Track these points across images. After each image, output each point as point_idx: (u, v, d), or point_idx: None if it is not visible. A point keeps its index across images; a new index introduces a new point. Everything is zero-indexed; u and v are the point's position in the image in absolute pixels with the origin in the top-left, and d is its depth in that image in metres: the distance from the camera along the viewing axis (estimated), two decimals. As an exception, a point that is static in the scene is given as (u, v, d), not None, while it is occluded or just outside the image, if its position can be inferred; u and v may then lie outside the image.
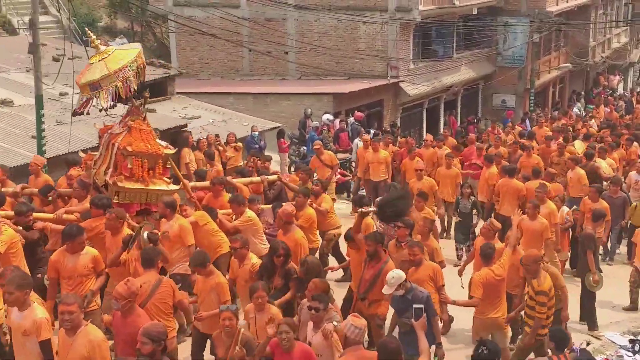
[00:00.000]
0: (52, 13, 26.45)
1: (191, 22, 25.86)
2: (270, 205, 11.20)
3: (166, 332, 5.78)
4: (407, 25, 26.47)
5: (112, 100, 9.31)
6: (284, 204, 10.19)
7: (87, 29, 11.64)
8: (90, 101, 9.43)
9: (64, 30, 21.91)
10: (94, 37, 9.84)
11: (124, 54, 9.59)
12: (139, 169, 9.34)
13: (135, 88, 9.54)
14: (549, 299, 8.22)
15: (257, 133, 18.23)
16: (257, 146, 17.36)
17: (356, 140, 19.29)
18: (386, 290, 7.70)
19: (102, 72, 9.27)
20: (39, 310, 6.26)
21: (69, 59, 15.71)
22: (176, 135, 16.51)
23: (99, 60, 9.39)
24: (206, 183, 11.75)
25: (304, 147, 20.14)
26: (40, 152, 13.59)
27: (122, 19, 31.48)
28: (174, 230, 8.94)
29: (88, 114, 9.82)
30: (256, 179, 12.38)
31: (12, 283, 6.06)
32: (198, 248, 9.35)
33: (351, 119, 22.56)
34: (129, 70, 9.36)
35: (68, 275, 7.75)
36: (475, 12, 29.47)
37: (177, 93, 21.34)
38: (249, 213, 10.07)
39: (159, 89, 20.19)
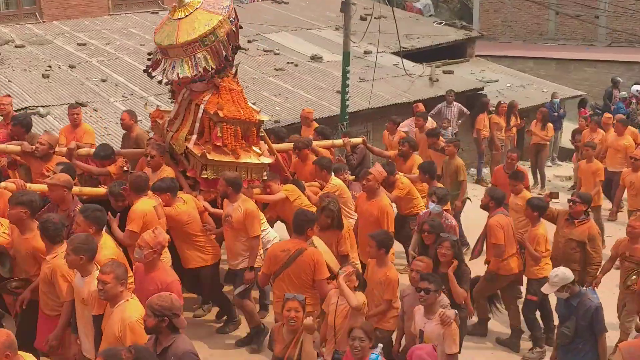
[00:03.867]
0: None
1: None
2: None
3: (173, 306, 4.87)
4: None
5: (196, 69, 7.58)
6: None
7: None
8: (162, 64, 7.86)
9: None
10: None
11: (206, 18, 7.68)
12: (231, 138, 7.81)
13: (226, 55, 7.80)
14: None
15: (557, 100, 17.36)
16: (555, 114, 16.54)
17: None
18: (546, 289, 6.72)
19: (213, 20, 7.60)
20: None
21: (375, 18, 16.34)
22: (473, 99, 16.38)
23: (193, 11, 7.69)
24: (287, 145, 9.60)
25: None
26: (344, 106, 14.36)
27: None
28: (237, 216, 7.26)
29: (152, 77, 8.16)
30: (338, 141, 10.50)
31: (70, 244, 5.68)
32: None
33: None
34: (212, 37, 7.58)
35: None
36: None
37: (476, 56, 21.11)
38: (336, 180, 8.66)
39: (458, 51, 20.14)
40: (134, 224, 6.81)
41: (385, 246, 6.64)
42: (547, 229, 8.05)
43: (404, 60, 17.53)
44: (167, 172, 7.77)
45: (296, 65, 17.79)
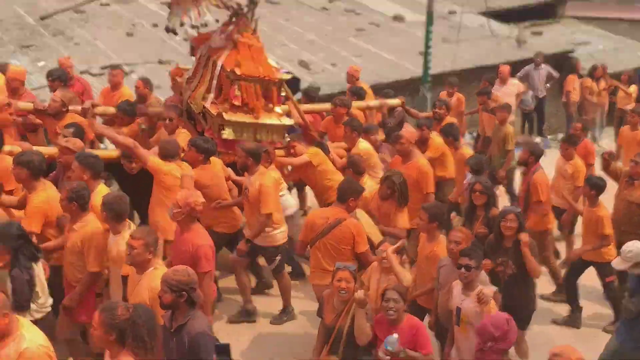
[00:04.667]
0: None
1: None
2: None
3: (190, 280, 4.60)
4: None
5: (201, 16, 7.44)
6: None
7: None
8: (186, 15, 7.56)
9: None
10: None
11: None
12: (250, 97, 7.37)
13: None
14: None
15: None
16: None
17: None
18: (618, 264, 6.20)
19: None
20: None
21: (461, -24, 15.78)
22: (562, 61, 15.67)
23: None
24: (322, 105, 9.24)
25: None
26: (426, 69, 13.97)
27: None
28: (253, 190, 6.86)
29: (175, 33, 7.94)
30: (374, 102, 9.63)
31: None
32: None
33: None
34: None
35: None
36: None
37: (567, 16, 20.17)
38: (364, 143, 8.12)
39: (548, 11, 19.29)
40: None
41: (437, 219, 6.20)
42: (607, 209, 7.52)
43: (491, 20, 16.90)
44: (183, 135, 7.44)
45: (377, 26, 17.42)
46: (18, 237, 5.17)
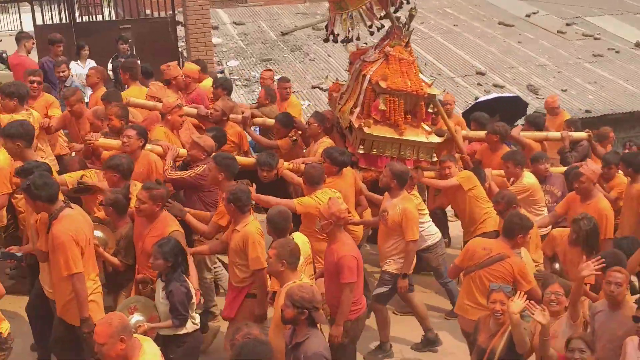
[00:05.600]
0: None
1: None
2: (563, 169, 7.87)
3: (314, 299, 4.46)
4: None
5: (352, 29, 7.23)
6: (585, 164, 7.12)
7: None
8: (334, 24, 7.38)
9: None
10: None
11: None
12: (394, 111, 7.08)
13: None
14: None
15: None
16: None
17: None
18: None
19: None
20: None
21: None
22: None
23: None
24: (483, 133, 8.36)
25: None
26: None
27: None
28: (393, 214, 6.40)
29: (335, 41, 7.68)
30: (554, 134, 8.65)
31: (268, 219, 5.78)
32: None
33: None
34: None
35: None
36: None
37: None
38: (528, 178, 7.36)
39: None
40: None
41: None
42: None
43: None
44: (325, 144, 7.33)
45: (617, 52, 16.44)
46: (179, 251, 5.25)
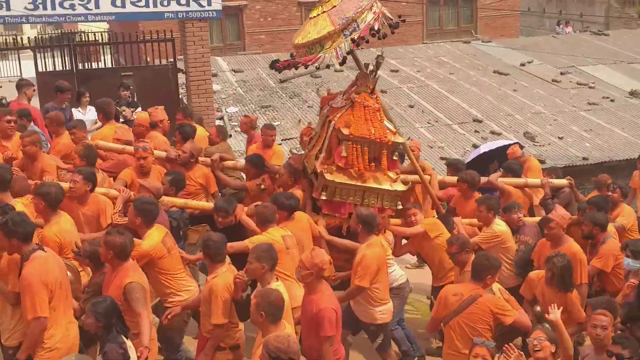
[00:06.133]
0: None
1: None
2: (537, 219, 7.68)
3: (289, 349, 4.35)
4: None
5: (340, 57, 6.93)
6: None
7: None
8: (294, 61, 7.26)
9: None
10: None
11: (350, 5, 7.02)
12: (356, 158, 6.98)
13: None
14: None
15: None
16: None
17: None
18: None
19: (324, 29, 6.99)
20: None
21: None
22: None
23: (321, 13, 7.09)
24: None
25: None
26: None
27: None
28: (355, 260, 6.41)
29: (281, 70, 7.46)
30: (534, 180, 8.40)
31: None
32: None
33: None
34: (360, 24, 6.88)
35: None
36: None
37: None
38: (499, 225, 7.23)
39: None
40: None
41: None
42: None
43: None
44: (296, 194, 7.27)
45: (612, 101, 16.65)
46: (112, 312, 4.96)
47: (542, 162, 9.92)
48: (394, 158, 7.25)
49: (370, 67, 7.29)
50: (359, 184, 6.98)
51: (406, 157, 7.95)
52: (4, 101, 13.78)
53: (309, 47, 7.01)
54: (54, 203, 6.00)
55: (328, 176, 6.94)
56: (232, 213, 6.79)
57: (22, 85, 10.04)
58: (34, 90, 10.43)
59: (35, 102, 10.77)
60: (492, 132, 14.67)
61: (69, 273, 5.63)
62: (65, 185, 6.63)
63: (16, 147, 7.88)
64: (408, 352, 7.03)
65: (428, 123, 15.20)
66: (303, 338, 5.43)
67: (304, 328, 5.50)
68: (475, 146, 13.33)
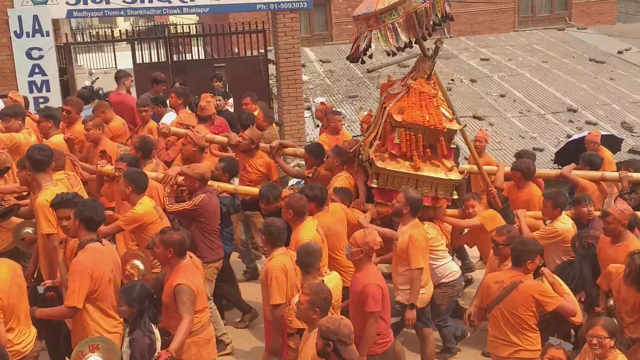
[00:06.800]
0: None
1: None
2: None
3: (339, 332, 4.24)
4: None
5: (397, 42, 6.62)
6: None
7: None
8: (360, 41, 6.93)
9: None
10: None
11: None
12: (409, 145, 6.76)
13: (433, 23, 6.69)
14: None
15: None
16: None
17: None
18: None
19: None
20: None
21: None
22: None
23: None
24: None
25: None
26: None
27: None
28: (402, 241, 6.20)
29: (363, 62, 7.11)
30: (611, 174, 7.91)
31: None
32: None
33: None
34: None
35: None
36: None
37: None
38: (562, 223, 6.77)
39: None
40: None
41: None
42: None
43: None
44: (340, 178, 7.16)
45: None
46: (145, 296, 4.88)
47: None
48: (452, 146, 7.07)
49: (429, 52, 7.03)
50: (411, 172, 6.83)
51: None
52: (101, 92, 14.32)
53: (380, 15, 6.71)
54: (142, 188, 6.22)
55: (379, 164, 6.80)
56: (274, 200, 6.71)
57: (120, 76, 10.41)
58: (132, 81, 10.78)
59: (133, 93, 11.15)
60: (588, 122, 14.20)
61: (140, 264, 5.76)
62: (109, 168, 6.93)
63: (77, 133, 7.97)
64: (451, 349, 6.91)
65: (520, 113, 14.85)
66: (351, 317, 5.24)
67: (352, 308, 5.46)
68: (568, 136, 12.96)
